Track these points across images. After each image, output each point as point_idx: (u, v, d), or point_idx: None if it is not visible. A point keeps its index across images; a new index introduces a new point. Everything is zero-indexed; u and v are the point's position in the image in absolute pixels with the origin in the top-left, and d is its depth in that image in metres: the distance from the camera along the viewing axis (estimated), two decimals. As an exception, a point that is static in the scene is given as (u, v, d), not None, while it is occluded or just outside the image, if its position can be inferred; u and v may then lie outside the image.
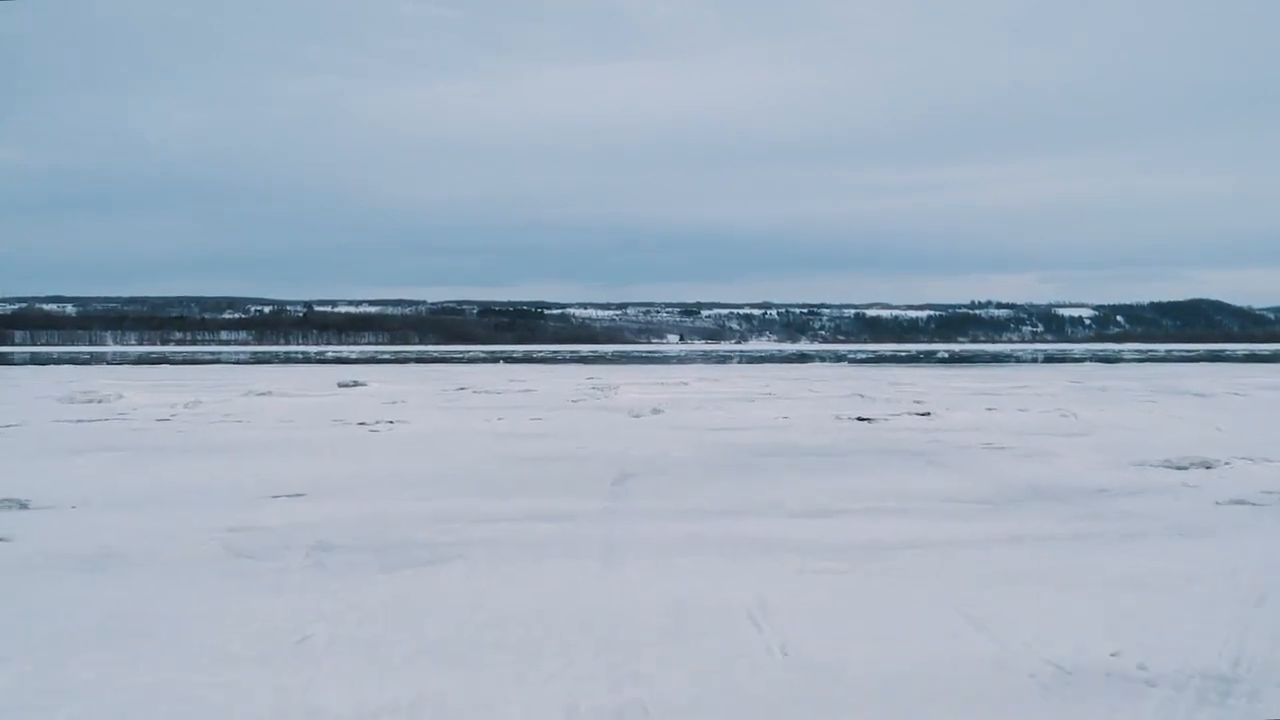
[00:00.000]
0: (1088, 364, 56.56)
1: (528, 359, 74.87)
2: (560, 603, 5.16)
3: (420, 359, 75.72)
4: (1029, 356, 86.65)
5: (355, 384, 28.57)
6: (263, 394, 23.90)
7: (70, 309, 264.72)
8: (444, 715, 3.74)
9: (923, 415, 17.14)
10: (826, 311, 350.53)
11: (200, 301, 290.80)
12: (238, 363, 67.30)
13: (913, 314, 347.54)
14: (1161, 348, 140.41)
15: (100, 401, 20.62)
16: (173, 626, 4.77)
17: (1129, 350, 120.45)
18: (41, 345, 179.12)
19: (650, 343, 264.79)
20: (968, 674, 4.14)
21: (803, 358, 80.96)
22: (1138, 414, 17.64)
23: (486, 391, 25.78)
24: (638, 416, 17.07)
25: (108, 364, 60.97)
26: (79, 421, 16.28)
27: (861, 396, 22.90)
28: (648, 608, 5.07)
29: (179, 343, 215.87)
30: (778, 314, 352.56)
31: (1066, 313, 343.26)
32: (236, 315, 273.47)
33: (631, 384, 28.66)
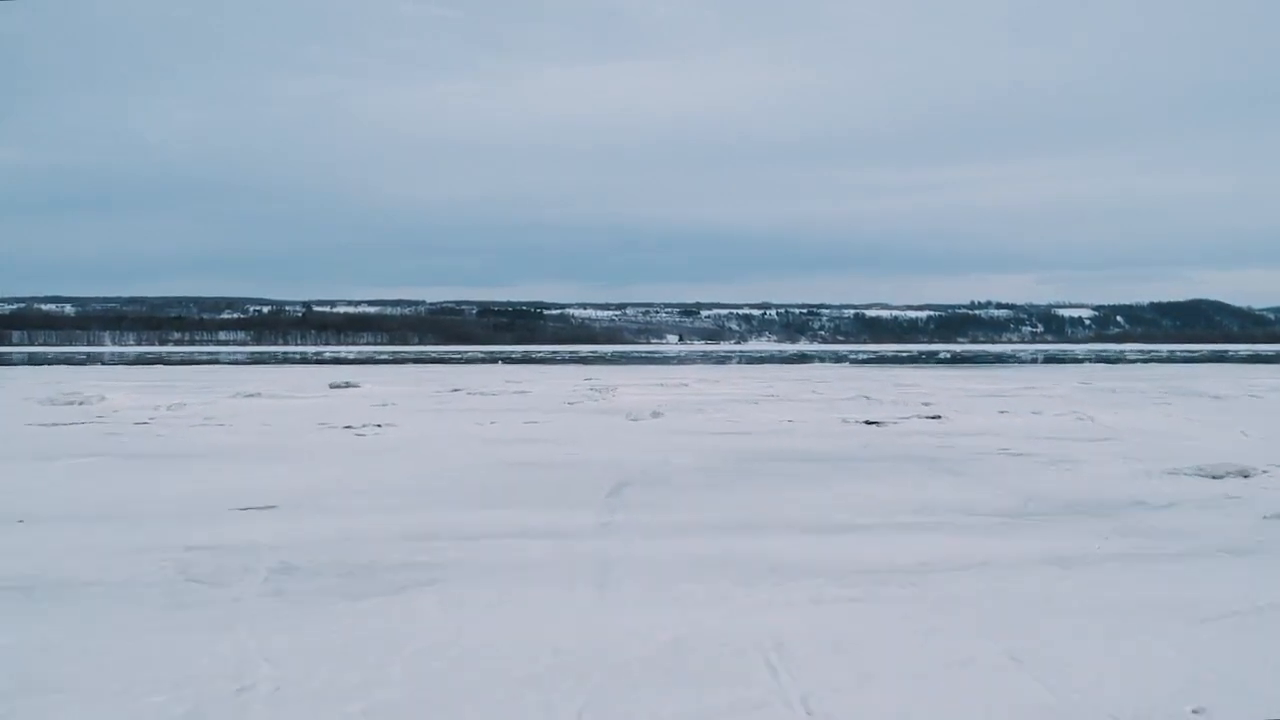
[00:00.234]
0: (1091, 365, 55.89)
1: (526, 359, 74.23)
2: (545, 639, 4.49)
3: (418, 359, 75.04)
4: (1030, 357, 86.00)
5: (347, 385, 27.89)
6: (251, 395, 23.20)
7: (69, 309, 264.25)
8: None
9: (933, 418, 16.48)
10: (826, 312, 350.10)
11: (199, 302, 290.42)
12: (234, 363, 66.66)
13: (912, 314, 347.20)
14: (1163, 348, 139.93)
15: (81, 403, 19.94)
16: (90, 675, 4.08)
17: (1131, 351, 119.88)
18: (39, 345, 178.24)
19: (649, 343, 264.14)
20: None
21: (803, 358, 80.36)
22: (1156, 417, 16.96)
23: (481, 393, 25.08)
24: (636, 420, 16.40)
25: (103, 364, 60.21)
26: (53, 425, 15.59)
27: (867, 398, 22.23)
28: (646, 645, 4.41)
29: (177, 343, 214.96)
30: (777, 314, 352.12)
31: (1066, 313, 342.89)
32: (235, 315, 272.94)
33: (630, 385, 27.97)
